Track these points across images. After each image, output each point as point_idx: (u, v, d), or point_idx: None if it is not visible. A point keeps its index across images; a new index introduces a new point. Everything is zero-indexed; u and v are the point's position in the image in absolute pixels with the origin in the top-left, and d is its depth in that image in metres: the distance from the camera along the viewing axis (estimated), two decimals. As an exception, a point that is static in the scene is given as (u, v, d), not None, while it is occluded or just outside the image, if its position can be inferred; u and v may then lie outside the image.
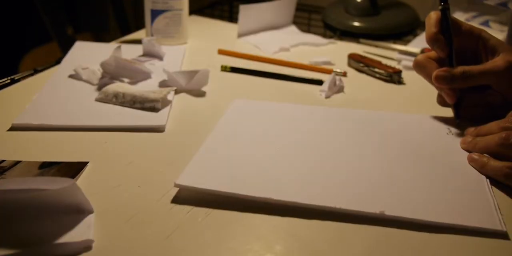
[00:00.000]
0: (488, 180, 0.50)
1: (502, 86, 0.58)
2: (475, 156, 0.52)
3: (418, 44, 0.86)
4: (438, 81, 0.59)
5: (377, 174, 0.50)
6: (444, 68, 0.59)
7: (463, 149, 0.55)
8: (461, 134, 0.58)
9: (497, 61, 0.57)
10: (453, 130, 0.60)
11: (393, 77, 0.74)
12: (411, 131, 0.59)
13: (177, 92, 0.69)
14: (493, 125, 0.54)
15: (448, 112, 0.63)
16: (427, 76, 0.61)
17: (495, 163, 0.50)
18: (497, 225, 0.43)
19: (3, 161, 0.51)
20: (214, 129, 0.58)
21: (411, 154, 0.54)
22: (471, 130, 0.57)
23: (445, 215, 0.44)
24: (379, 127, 0.60)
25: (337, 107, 0.66)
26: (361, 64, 0.78)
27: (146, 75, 0.72)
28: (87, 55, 0.79)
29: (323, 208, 0.45)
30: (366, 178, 0.49)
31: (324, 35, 0.94)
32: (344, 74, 0.76)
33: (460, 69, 0.58)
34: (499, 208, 0.46)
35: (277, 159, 0.52)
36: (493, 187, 0.49)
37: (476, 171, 0.51)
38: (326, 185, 0.48)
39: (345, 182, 0.49)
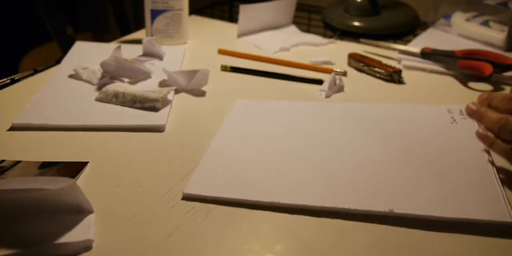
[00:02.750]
0: (495, 171, 0.50)
1: None
2: (482, 131, 0.52)
3: (418, 44, 0.86)
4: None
5: (383, 171, 0.50)
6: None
7: (468, 114, 0.53)
8: (466, 123, 0.58)
9: None
10: (458, 119, 0.59)
11: (393, 76, 0.74)
12: (415, 123, 0.59)
13: (177, 92, 0.69)
14: (503, 99, 0.51)
15: (450, 102, 0.62)
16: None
17: (502, 144, 0.50)
18: (507, 217, 0.43)
19: (3, 161, 0.51)
20: (219, 132, 0.58)
21: (417, 148, 0.54)
22: (483, 96, 0.53)
23: (454, 209, 0.44)
24: (383, 119, 0.60)
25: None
26: (361, 64, 0.78)
27: (146, 75, 0.72)
28: (87, 55, 0.79)
29: (333, 209, 0.45)
30: (372, 176, 0.49)
31: (324, 35, 0.94)
32: (344, 74, 0.76)
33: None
34: (508, 200, 0.45)
35: (284, 161, 0.52)
36: (501, 178, 0.49)
37: (483, 162, 0.51)
38: (334, 186, 0.48)
39: (352, 181, 0.49)
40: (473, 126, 0.58)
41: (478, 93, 0.71)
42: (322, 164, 0.52)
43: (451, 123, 0.59)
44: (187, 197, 0.47)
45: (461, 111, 0.61)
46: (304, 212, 0.45)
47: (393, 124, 0.59)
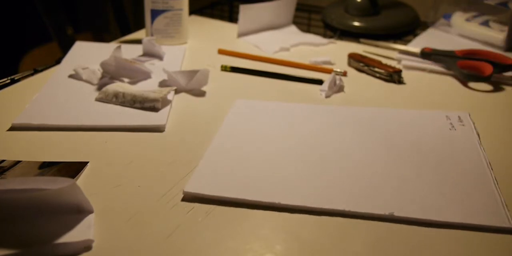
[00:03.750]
0: (493, 176, 0.50)
1: None
2: None
3: (418, 44, 0.86)
4: None
5: (383, 174, 0.50)
6: None
7: None
8: (464, 130, 0.58)
9: None
10: (456, 125, 0.60)
11: (393, 76, 0.74)
12: (414, 128, 0.59)
13: (177, 92, 0.69)
14: None
15: (449, 102, 0.62)
16: None
17: None
18: (505, 222, 0.43)
19: (3, 161, 0.51)
20: (218, 132, 0.58)
21: (416, 153, 0.54)
22: None
23: (453, 214, 0.44)
24: (382, 125, 0.60)
25: (338, 106, 0.66)
26: (361, 64, 0.78)
27: (146, 75, 0.72)
28: (87, 55, 0.79)
29: (332, 211, 0.45)
30: (372, 179, 0.49)
31: (324, 35, 0.94)
32: (344, 74, 0.76)
33: None
34: (506, 205, 0.46)
35: (284, 161, 0.52)
36: (499, 184, 0.49)
37: (482, 167, 0.51)
38: (334, 187, 0.48)
39: (352, 183, 0.49)
40: (471, 132, 0.58)
41: (478, 93, 0.72)
42: (321, 165, 0.52)
43: (450, 129, 0.59)
44: (187, 196, 0.47)
45: (459, 117, 0.61)
46: (304, 211, 0.45)
47: (392, 128, 0.59)
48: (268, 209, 0.45)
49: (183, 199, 0.47)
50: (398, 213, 0.44)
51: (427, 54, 0.79)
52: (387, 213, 0.44)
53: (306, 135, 0.58)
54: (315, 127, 0.60)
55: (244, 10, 0.89)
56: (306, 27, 1.03)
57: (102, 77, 0.70)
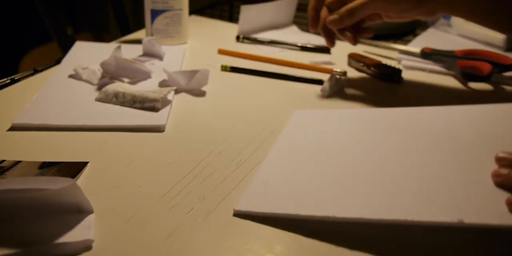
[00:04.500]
0: None
1: (386, 8, 0.64)
2: None
3: (418, 44, 0.86)
4: (331, 25, 0.68)
5: (456, 180, 0.45)
6: (331, 14, 0.68)
7: (496, 183, 0.43)
8: None
9: None
10: None
11: (393, 76, 0.74)
12: (492, 127, 0.52)
13: (177, 92, 0.69)
14: None
15: (449, 102, 0.61)
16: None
17: None
18: None
19: (3, 161, 0.51)
20: (274, 146, 0.54)
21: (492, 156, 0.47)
22: (503, 157, 0.45)
23: None
24: (459, 128, 0.53)
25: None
26: (361, 64, 0.78)
27: (146, 75, 0.72)
28: (87, 55, 0.79)
29: (393, 222, 0.41)
30: (440, 185, 0.45)
31: (324, 35, 0.94)
32: (344, 74, 0.76)
33: (343, 8, 0.66)
34: None
35: (342, 174, 0.48)
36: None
37: None
38: (395, 196, 0.44)
39: (417, 190, 0.44)
40: None
41: (478, 94, 0.72)
42: (382, 174, 0.47)
43: None
44: (238, 215, 0.45)
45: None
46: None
47: (469, 131, 0.52)
48: (268, 209, 0.45)
49: (183, 199, 0.46)
50: (467, 219, 0.39)
51: (427, 54, 0.79)
52: (455, 220, 0.39)
53: (367, 145, 0.53)
54: (382, 135, 0.55)
55: (245, 11, 0.89)
56: (306, 27, 1.03)
57: (102, 77, 0.70)
